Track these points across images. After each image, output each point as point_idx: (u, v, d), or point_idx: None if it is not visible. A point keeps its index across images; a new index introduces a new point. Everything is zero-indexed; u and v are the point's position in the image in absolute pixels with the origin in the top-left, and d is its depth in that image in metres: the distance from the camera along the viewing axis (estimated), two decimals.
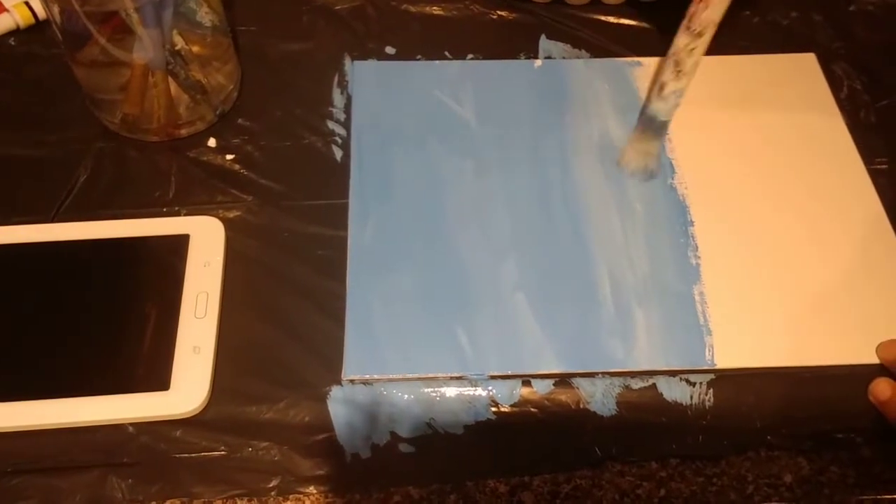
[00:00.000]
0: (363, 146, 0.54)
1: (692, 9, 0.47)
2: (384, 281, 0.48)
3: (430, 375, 0.44)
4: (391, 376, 0.44)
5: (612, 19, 0.62)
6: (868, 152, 0.54)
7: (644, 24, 0.61)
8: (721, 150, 0.54)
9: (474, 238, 0.49)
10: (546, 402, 0.44)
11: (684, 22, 0.47)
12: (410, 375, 0.44)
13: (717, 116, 0.56)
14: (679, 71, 0.48)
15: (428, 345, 0.45)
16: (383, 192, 0.51)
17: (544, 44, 0.60)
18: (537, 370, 0.45)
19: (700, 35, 0.47)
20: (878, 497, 0.42)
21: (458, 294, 0.47)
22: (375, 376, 0.44)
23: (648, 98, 0.51)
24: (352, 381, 0.44)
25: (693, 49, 0.47)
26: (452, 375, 0.45)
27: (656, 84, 0.50)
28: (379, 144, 0.54)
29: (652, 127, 0.51)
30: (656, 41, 0.60)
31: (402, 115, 0.55)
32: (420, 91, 0.56)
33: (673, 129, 0.54)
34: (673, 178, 0.52)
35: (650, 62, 0.58)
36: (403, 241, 0.49)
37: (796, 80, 0.58)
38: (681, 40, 0.48)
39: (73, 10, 0.47)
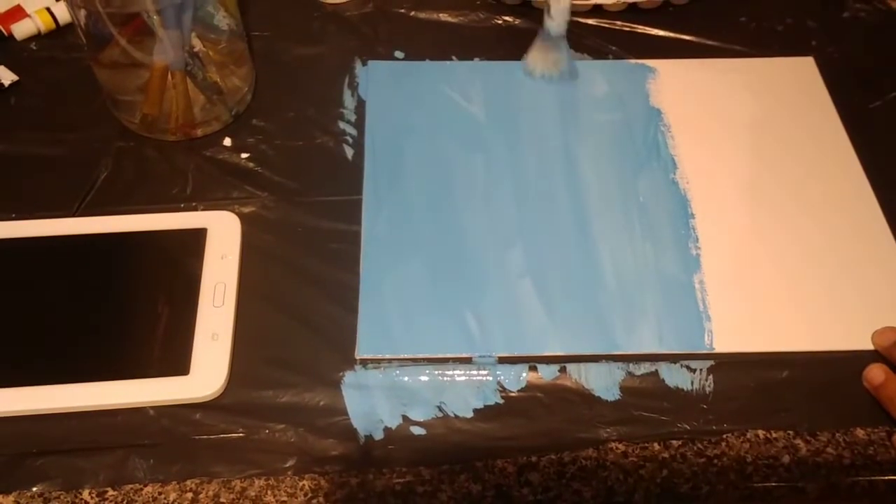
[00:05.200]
0: (376, 140, 0.56)
1: None
2: (396, 267, 0.50)
3: (440, 356, 0.46)
4: (402, 356, 0.46)
5: (613, 25, 0.64)
6: (861, 150, 0.56)
7: (644, 29, 0.64)
8: (722, 147, 0.56)
9: (483, 227, 0.51)
10: (552, 387, 0.46)
11: None
12: (420, 356, 0.46)
13: (718, 115, 0.58)
14: None
15: (437, 327, 0.47)
16: (395, 183, 0.53)
17: None
18: (542, 352, 0.46)
19: None
20: (873, 478, 0.44)
21: (466, 280, 0.49)
22: (387, 356, 0.46)
23: (543, 21, 0.57)
24: (364, 363, 0.46)
25: None
26: (461, 356, 0.46)
27: (545, 9, 0.56)
28: (391, 139, 0.56)
29: (549, 40, 0.58)
30: (656, 45, 0.63)
31: (413, 112, 0.57)
32: (431, 89, 0.59)
33: (675, 127, 0.57)
34: (675, 174, 0.54)
35: (653, 64, 0.61)
36: (414, 229, 0.51)
37: (795, 81, 0.60)
38: None
39: (96, 13, 0.49)
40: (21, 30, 0.61)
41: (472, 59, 0.61)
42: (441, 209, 0.52)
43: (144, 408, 0.44)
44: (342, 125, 0.57)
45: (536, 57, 0.59)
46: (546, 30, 0.58)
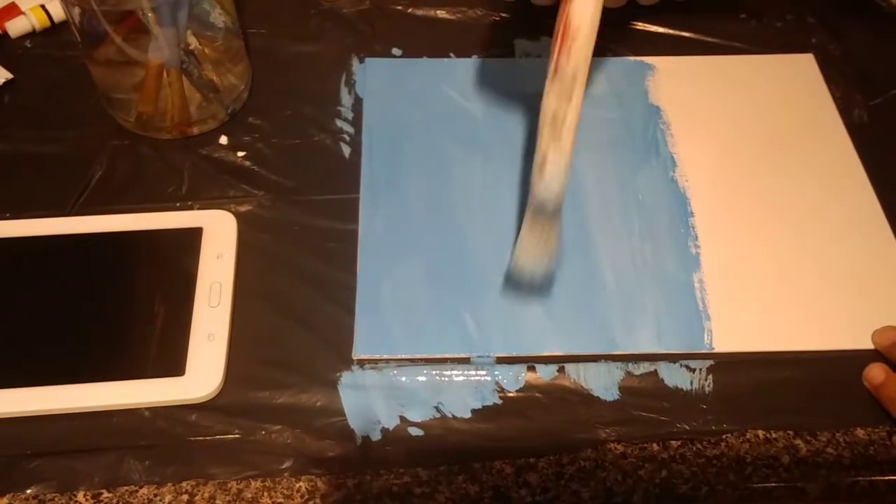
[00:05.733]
0: (374, 138, 0.55)
1: (554, 52, 0.39)
2: (393, 266, 0.49)
3: (437, 356, 0.46)
4: (400, 356, 0.46)
5: (612, 21, 0.63)
6: (862, 148, 0.56)
7: (643, 26, 0.63)
8: (721, 144, 0.56)
9: (480, 226, 0.51)
10: (550, 387, 0.46)
11: (550, 72, 0.40)
12: (418, 356, 0.46)
13: (718, 113, 0.58)
14: (559, 137, 0.40)
15: (435, 327, 0.47)
16: (393, 181, 0.53)
17: (546, 45, 0.62)
18: (540, 352, 0.46)
19: (572, 84, 0.39)
20: (873, 478, 0.43)
21: (464, 279, 0.49)
22: (385, 356, 0.46)
23: (532, 182, 0.42)
24: (361, 363, 0.46)
25: (566, 112, 0.39)
26: (459, 357, 0.46)
27: (537, 163, 0.41)
28: (389, 137, 0.55)
29: (543, 217, 0.43)
30: (655, 42, 0.62)
31: (411, 110, 0.57)
32: (429, 87, 0.58)
33: (674, 125, 0.56)
34: (674, 172, 0.54)
35: (652, 61, 0.60)
36: (412, 228, 0.51)
37: (795, 79, 0.60)
38: (550, 98, 0.40)
39: (91, 10, 0.48)
40: (16, 27, 0.61)
41: (469, 57, 0.61)
42: (439, 208, 0.52)
43: (140, 409, 0.44)
44: (339, 123, 0.57)
45: (527, 243, 0.44)
46: (540, 201, 0.42)
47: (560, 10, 0.39)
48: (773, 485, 0.43)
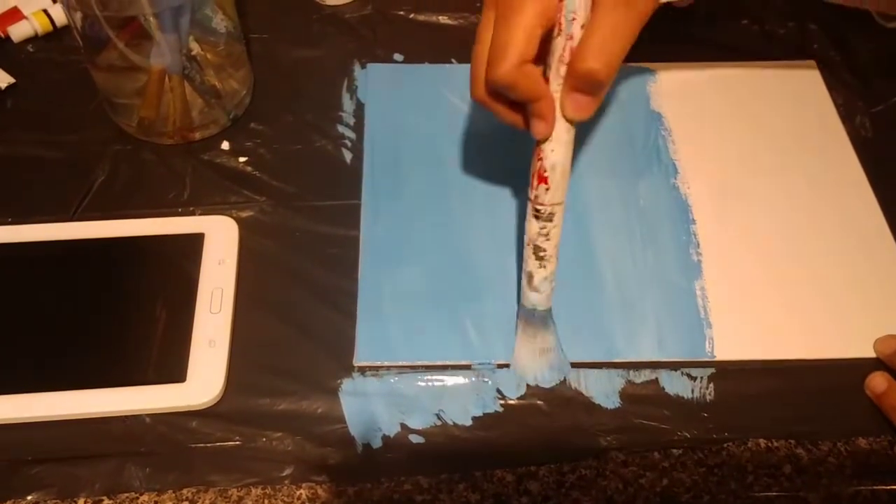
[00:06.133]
0: (375, 144, 0.55)
1: (532, 193, 0.42)
2: (395, 273, 0.49)
3: (438, 363, 0.46)
4: (401, 363, 0.46)
5: None
6: (864, 155, 0.56)
7: (645, 33, 0.63)
8: (723, 151, 0.56)
9: (482, 232, 0.51)
10: (551, 394, 0.46)
11: (529, 207, 0.43)
12: (419, 363, 0.46)
13: (719, 120, 0.57)
14: (541, 258, 0.43)
15: (436, 334, 0.47)
16: (394, 187, 0.53)
17: None
18: None
19: (550, 218, 0.42)
20: (875, 487, 0.43)
21: (465, 285, 0.49)
22: (386, 363, 0.46)
23: (522, 292, 0.45)
24: (362, 370, 0.46)
25: (548, 233, 0.43)
26: (460, 363, 0.46)
27: (524, 276, 0.44)
28: (390, 142, 0.55)
29: (534, 321, 0.45)
30: (656, 48, 0.62)
31: (412, 115, 0.57)
32: (430, 92, 0.58)
33: (676, 131, 0.56)
34: (676, 179, 0.54)
35: (653, 67, 0.60)
36: (413, 234, 0.51)
37: (797, 85, 0.60)
38: (532, 227, 0.43)
39: (93, 16, 0.48)
40: (18, 32, 0.61)
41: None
42: (440, 214, 0.52)
43: (140, 415, 0.44)
44: (341, 129, 0.57)
45: (523, 352, 0.46)
46: (529, 307, 0.45)
47: (533, 154, 0.42)
48: (775, 494, 0.43)
